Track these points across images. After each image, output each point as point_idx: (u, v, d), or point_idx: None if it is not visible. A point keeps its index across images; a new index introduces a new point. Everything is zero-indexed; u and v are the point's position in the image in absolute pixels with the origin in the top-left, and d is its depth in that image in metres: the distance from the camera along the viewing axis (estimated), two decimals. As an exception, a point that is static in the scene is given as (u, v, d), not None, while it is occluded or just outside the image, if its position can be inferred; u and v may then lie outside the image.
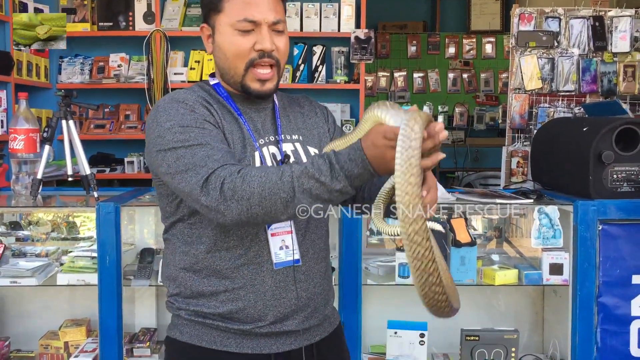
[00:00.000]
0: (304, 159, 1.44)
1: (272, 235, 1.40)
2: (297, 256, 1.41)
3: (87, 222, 2.80)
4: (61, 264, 2.47)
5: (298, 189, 1.17)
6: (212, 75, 1.50)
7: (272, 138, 1.45)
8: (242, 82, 1.40)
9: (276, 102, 1.50)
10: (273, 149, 1.43)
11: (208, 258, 1.39)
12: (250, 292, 1.39)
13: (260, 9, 1.37)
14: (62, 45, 3.29)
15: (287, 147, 1.45)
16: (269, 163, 1.41)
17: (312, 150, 1.48)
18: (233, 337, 1.40)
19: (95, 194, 2.43)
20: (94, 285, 2.29)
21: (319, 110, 1.57)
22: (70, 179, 2.52)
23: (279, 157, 1.43)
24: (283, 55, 1.42)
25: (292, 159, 1.43)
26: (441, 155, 1.15)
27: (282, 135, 1.46)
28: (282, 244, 1.41)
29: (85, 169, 2.47)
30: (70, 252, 2.53)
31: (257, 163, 1.39)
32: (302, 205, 1.18)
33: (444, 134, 1.13)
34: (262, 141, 1.43)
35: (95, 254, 2.32)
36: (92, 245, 2.53)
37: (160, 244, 2.68)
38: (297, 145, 1.47)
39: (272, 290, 1.40)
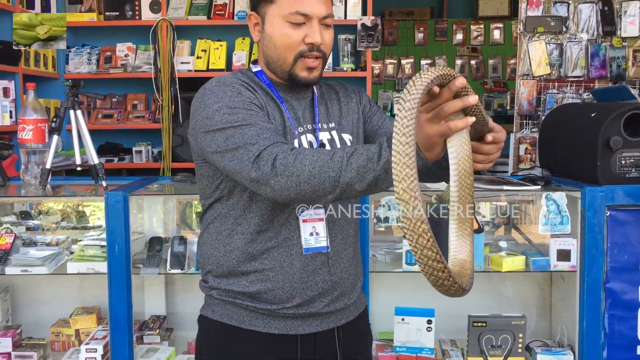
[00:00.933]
0: (339, 147, 1.45)
1: (304, 221, 1.45)
2: (326, 243, 1.46)
3: (96, 211, 2.83)
4: (71, 253, 2.50)
5: (346, 167, 1.18)
6: (254, 62, 1.53)
7: (309, 126, 1.49)
8: (291, 71, 1.44)
9: (315, 91, 1.54)
10: (310, 137, 1.47)
11: (241, 239, 1.44)
12: (279, 273, 1.44)
13: (312, 2, 1.41)
14: (62, 45, 3.31)
15: (324, 136, 1.49)
16: None
17: (347, 137, 1.52)
18: (261, 317, 1.45)
19: (104, 184, 2.45)
20: (103, 273, 2.32)
21: (354, 95, 1.60)
22: (79, 168, 2.54)
23: (315, 146, 1.47)
24: (328, 49, 1.47)
25: (327, 147, 1.47)
26: (472, 98, 1.10)
27: (320, 124, 1.50)
28: (313, 230, 1.45)
29: (94, 158, 2.49)
30: (80, 241, 2.56)
31: None
32: (351, 185, 1.18)
33: (473, 98, 1.09)
34: (300, 129, 1.47)
35: (104, 243, 2.34)
36: (101, 234, 2.55)
37: (169, 232, 2.71)
38: (333, 133, 1.51)
39: (300, 273, 1.44)
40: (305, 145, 1.46)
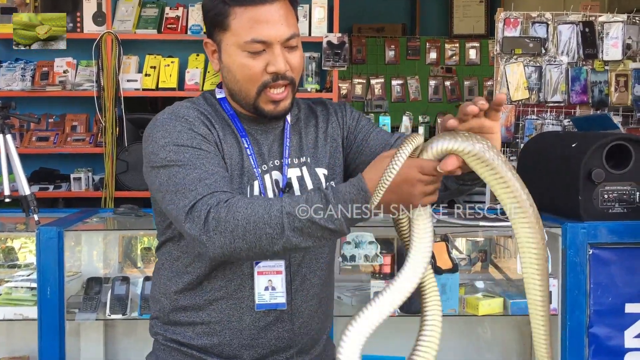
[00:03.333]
0: (309, 186, 1.45)
1: (259, 273, 1.41)
2: (282, 300, 1.41)
3: (26, 246, 2.76)
4: (-3, 296, 2.43)
5: (288, 226, 1.18)
6: (220, 85, 1.49)
7: (276, 162, 1.45)
8: (255, 104, 1.40)
9: (287, 120, 1.49)
10: (277, 174, 1.44)
11: (189, 286, 1.42)
12: (227, 328, 1.41)
13: (270, 25, 1.34)
14: (62, 45, 3.34)
15: (293, 173, 1.45)
16: (269, 191, 1.41)
17: (321, 172, 1.48)
18: None
19: (36, 217, 2.40)
20: (33, 319, 2.26)
21: (334, 117, 1.53)
22: (7, 199, 2.49)
23: (281, 185, 1.43)
24: (298, 73, 1.41)
25: (295, 187, 1.43)
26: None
27: (289, 159, 1.46)
28: (269, 284, 1.41)
29: (25, 188, 2.44)
30: (7, 281, 2.50)
31: (256, 192, 1.39)
32: (293, 243, 1.19)
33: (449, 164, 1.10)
34: (265, 167, 1.43)
35: (35, 285, 2.29)
36: (31, 274, 2.48)
37: (109, 272, 2.65)
38: (304, 169, 1.46)
39: (250, 329, 1.41)
40: (269, 184, 1.42)
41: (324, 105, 1.57)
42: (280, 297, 1.41)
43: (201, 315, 1.42)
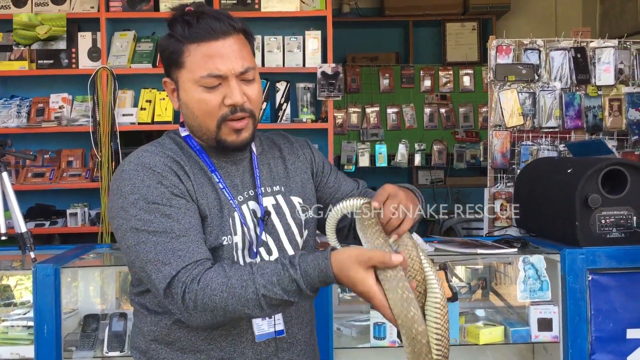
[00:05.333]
0: (287, 212, 1.49)
1: None
2: (281, 327, 1.44)
3: (22, 283, 2.75)
4: (-8, 335, 2.42)
5: (266, 305, 1.25)
6: (182, 124, 1.51)
7: (251, 192, 1.47)
8: (217, 137, 1.42)
9: (254, 150, 1.52)
10: (253, 204, 1.46)
11: (182, 328, 1.41)
12: None
13: (224, 60, 1.38)
14: (62, 45, 3.37)
15: (268, 202, 1.48)
16: (249, 221, 1.44)
17: (296, 200, 1.51)
18: None
19: (32, 254, 2.40)
20: (29, 359, 2.24)
21: (302, 152, 1.59)
22: (3, 237, 2.49)
23: (259, 214, 1.45)
24: (257, 105, 1.44)
25: (272, 214, 1.46)
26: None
27: (262, 189, 1.48)
28: None
29: (21, 226, 2.44)
30: (3, 320, 2.48)
31: (237, 223, 1.41)
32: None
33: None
34: (240, 198, 1.45)
35: (31, 323, 2.28)
36: (27, 312, 2.47)
37: (106, 308, 2.64)
38: (279, 197, 1.50)
39: None
40: (248, 215, 1.44)
41: (285, 138, 1.61)
42: (279, 325, 1.44)
43: (200, 357, 1.41)
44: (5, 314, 2.56)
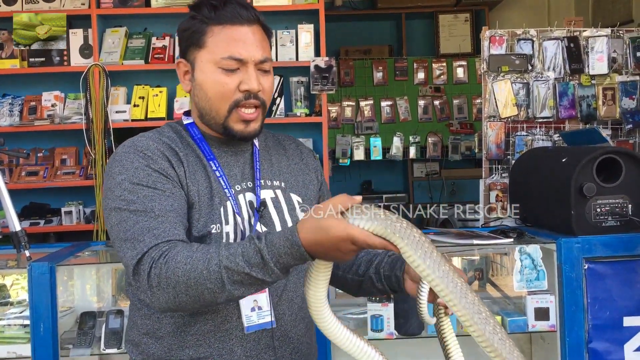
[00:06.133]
0: (285, 208, 1.48)
1: None
2: (270, 318, 1.41)
3: (19, 281, 2.74)
4: (-12, 334, 2.41)
5: (228, 281, 1.21)
6: (187, 113, 1.52)
7: (249, 184, 1.47)
8: (225, 123, 1.43)
9: (256, 144, 1.52)
10: (250, 195, 1.46)
11: (171, 323, 1.40)
12: None
13: (247, 46, 1.40)
14: (62, 45, 3.32)
15: (267, 194, 1.48)
16: (244, 211, 1.43)
17: (295, 198, 1.50)
18: None
19: (27, 253, 2.38)
20: (27, 357, 2.24)
21: (308, 159, 1.60)
22: (-3, 236, 2.48)
23: (255, 205, 1.45)
24: (268, 96, 1.46)
25: (269, 207, 1.46)
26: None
27: (261, 181, 1.48)
28: (255, 304, 1.41)
29: (15, 224, 2.42)
30: (0, 319, 2.47)
31: (230, 213, 1.41)
32: (234, 295, 1.23)
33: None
34: (238, 187, 1.45)
35: (27, 322, 2.27)
36: (24, 311, 2.47)
37: (103, 305, 2.64)
38: (278, 192, 1.49)
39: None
40: (244, 205, 1.43)
41: (293, 141, 1.63)
42: (267, 316, 1.41)
43: (189, 353, 1.39)
44: (2, 313, 2.56)
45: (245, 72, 1.40)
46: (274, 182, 1.50)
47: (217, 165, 1.44)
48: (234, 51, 1.39)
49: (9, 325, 2.39)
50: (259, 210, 1.44)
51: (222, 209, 1.40)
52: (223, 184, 1.43)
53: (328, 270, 1.25)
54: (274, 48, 3.99)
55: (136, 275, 1.27)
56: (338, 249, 1.17)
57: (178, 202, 1.36)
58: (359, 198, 1.20)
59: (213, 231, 1.39)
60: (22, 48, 3.90)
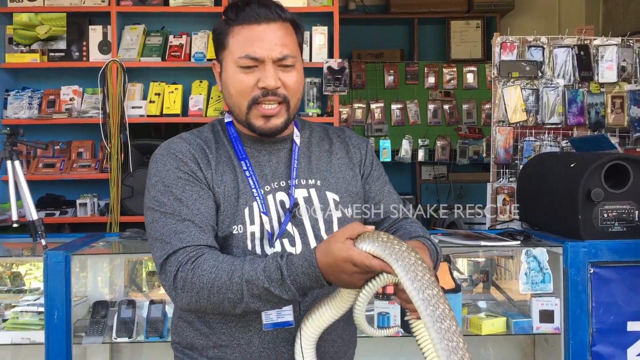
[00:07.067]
0: (317, 207, 1.46)
1: None
2: (290, 318, 1.41)
3: (33, 271, 2.75)
4: (4, 320, 2.42)
5: (247, 293, 1.27)
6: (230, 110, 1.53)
7: (282, 183, 1.46)
8: (247, 119, 1.44)
9: (296, 141, 1.50)
10: (282, 195, 1.45)
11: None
12: (237, 351, 1.42)
13: (264, 44, 1.40)
14: (62, 45, 3.31)
15: (300, 194, 1.46)
16: (273, 212, 1.43)
17: (331, 196, 1.48)
18: None
19: (43, 242, 2.40)
20: (40, 343, 2.25)
21: (353, 151, 1.56)
22: (15, 225, 2.49)
23: (287, 205, 1.44)
24: (293, 91, 1.44)
25: (301, 207, 1.45)
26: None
27: (296, 180, 1.47)
28: None
29: (32, 214, 2.44)
30: (14, 306, 2.49)
31: (256, 213, 1.41)
32: (251, 307, 1.30)
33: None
34: (268, 187, 1.45)
35: (42, 309, 2.28)
36: (38, 298, 2.48)
37: (115, 295, 2.64)
38: (312, 191, 1.47)
39: (259, 351, 1.41)
40: (272, 205, 1.43)
41: (343, 133, 1.59)
42: (288, 315, 1.41)
43: (213, 339, 1.43)
44: (16, 299, 2.57)
45: (263, 69, 1.40)
46: (309, 180, 1.48)
47: (248, 165, 1.45)
48: (250, 50, 1.40)
49: (24, 312, 2.40)
50: (292, 211, 1.43)
51: (246, 210, 1.41)
52: (252, 183, 1.43)
53: (349, 300, 1.30)
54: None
55: (162, 274, 1.35)
56: (342, 271, 1.23)
57: (205, 205, 1.40)
58: (370, 227, 1.26)
59: (234, 232, 1.41)
60: (23, 48, 3.86)
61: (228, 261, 1.30)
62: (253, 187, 1.43)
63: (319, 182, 1.49)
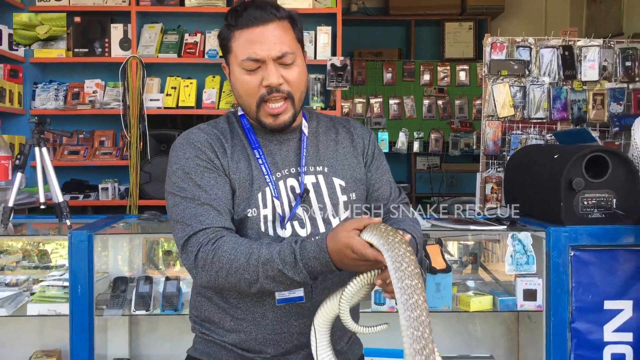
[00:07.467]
0: (325, 192, 1.46)
1: None
2: (301, 293, 1.41)
3: (59, 250, 2.76)
4: (32, 294, 2.43)
5: (262, 275, 1.28)
6: None
7: (292, 170, 1.46)
8: (257, 117, 1.43)
9: (304, 131, 1.49)
10: (292, 181, 1.45)
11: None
12: (252, 324, 1.42)
13: (263, 45, 1.38)
14: (61, 45, 3.27)
15: (309, 180, 1.46)
16: (284, 196, 1.43)
17: (337, 182, 1.48)
18: None
19: (68, 222, 2.40)
20: (65, 315, 2.26)
21: (358, 140, 1.55)
22: (42, 206, 2.49)
23: (298, 190, 1.44)
24: (296, 86, 1.42)
25: (311, 192, 1.45)
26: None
27: (305, 167, 1.46)
28: None
29: (58, 196, 2.44)
30: (41, 281, 2.50)
31: (268, 197, 1.42)
32: (266, 288, 1.31)
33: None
34: (279, 174, 1.44)
35: (66, 284, 2.29)
36: (63, 274, 2.49)
37: (134, 272, 2.65)
38: (320, 177, 1.47)
39: (273, 324, 1.42)
40: (284, 190, 1.43)
41: (348, 124, 1.58)
42: (299, 291, 1.40)
43: (230, 312, 1.43)
44: (43, 275, 2.58)
45: (265, 69, 1.39)
46: (317, 167, 1.48)
47: (261, 154, 1.44)
48: (251, 52, 1.39)
49: (50, 286, 2.41)
50: (302, 196, 1.43)
51: (260, 194, 1.41)
52: (264, 170, 1.43)
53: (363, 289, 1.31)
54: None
55: (184, 254, 1.35)
56: (345, 256, 1.24)
57: (222, 190, 1.40)
58: (378, 219, 1.28)
59: (249, 215, 1.41)
60: (23, 48, 3.75)
61: (246, 244, 1.31)
62: (265, 173, 1.43)
63: (326, 169, 1.48)
